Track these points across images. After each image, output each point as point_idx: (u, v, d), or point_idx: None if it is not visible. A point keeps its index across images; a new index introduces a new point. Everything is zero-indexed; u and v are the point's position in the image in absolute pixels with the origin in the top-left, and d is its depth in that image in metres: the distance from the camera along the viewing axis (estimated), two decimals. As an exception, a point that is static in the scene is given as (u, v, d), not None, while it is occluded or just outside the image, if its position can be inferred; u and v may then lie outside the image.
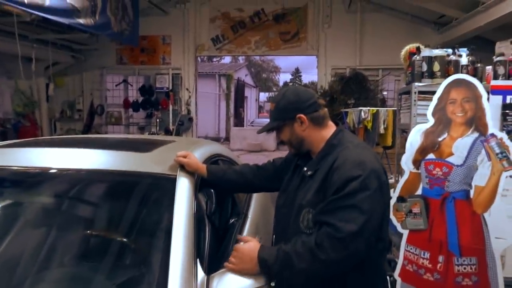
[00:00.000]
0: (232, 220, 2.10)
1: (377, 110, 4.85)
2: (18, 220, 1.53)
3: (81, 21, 5.24)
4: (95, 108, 8.22)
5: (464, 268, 2.04)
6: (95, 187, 1.57)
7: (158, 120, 8.02)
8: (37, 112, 7.81)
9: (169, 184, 1.49)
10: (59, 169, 1.54)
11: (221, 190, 1.87)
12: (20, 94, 7.42)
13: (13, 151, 1.79)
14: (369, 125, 5.01)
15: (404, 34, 6.64)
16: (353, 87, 6.75)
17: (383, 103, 7.07)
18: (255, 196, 2.65)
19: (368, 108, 4.97)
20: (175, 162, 1.58)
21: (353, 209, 1.21)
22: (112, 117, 8.23)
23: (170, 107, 7.98)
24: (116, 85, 8.26)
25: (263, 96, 41.76)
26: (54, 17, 4.65)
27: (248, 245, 1.26)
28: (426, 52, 2.81)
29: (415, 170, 2.22)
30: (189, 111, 8.07)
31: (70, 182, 1.54)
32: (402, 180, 2.25)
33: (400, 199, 2.23)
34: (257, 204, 2.59)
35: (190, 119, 7.95)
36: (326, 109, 1.52)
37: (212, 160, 2.00)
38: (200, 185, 1.65)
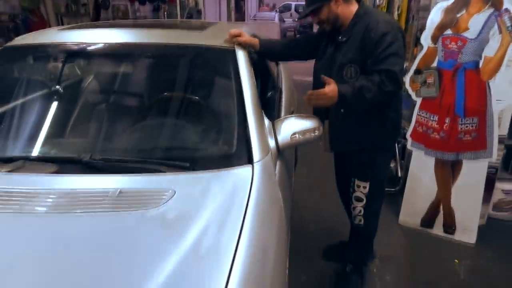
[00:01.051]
0: (271, 92, 2.45)
1: (393, -5, 4.86)
2: (106, 84, 1.88)
3: None
4: (100, 1, 8.03)
5: (466, 127, 2.45)
6: (168, 58, 1.87)
7: (165, 13, 7.92)
8: (42, 7, 7.66)
9: (230, 54, 1.79)
10: (142, 44, 1.80)
11: (269, 59, 2.22)
12: (22, -13, 7.21)
13: (85, 31, 2.04)
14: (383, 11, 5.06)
15: None
16: (367, -28, 6.53)
17: (396, -11, 6.90)
18: (283, 74, 2.99)
19: (384, -8, 4.96)
20: (235, 41, 1.84)
21: (395, 55, 1.64)
22: (118, 11, 8.09)
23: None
24: (120, -24, 7.96)
25: (263, -12, 39.15)
26: None
27: (330, 87, 1.65)
28: None
29: (432, 45, 2.49)
30: (196, 3, 7.92)
31: (152, 54, 1.83)
32: (420, 54, 2.54)
33: (417, 71, 2.54)
34: (285, 80, 2.94)
35: (199, 12, 7.85)
36: None
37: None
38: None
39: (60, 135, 1.60)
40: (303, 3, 1.94)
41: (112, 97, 1.84)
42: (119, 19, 8.23)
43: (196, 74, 1.82)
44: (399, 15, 5.04)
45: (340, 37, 1.82)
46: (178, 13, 7.90)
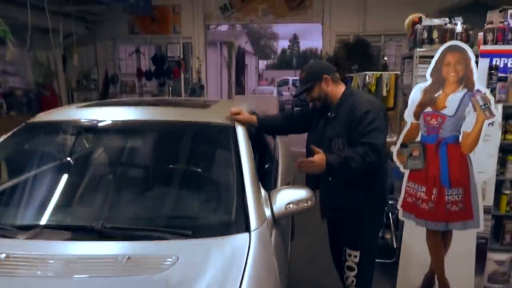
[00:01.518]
0: (268, 163, 2.63)
1: (381, 74, 5.28)
2: (118, 157, 2.06)
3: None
4: (109, 77, 8.60)
5: (453, 197, 2.58)
6: (175, 134, 2.07)
7: (170, 88, 8.44)
8: (54, 82, 8.19)
9: (231, 131, 1.99)
10: (153, 121, 2.03)
11: (267, 134, 2.44)
12: (39, 66, 7.78)
13: (100, 109, 2.27)
14: (373, 89, 5.45)
15: (405, 1, 6.94)
16: (357, 53, 7.13)
17: (384, 68, 7.47)
18: (280, 147, 3.19)
19: (373, 72, 5.39)
20: (234, 119, 2.06)
21: (376, 131, 1.87)
22: (126, 86, 8.62)
23: (182, 76, 8.38)
24: (129, 55, 8.61)
25: (262, 64, 41.63)
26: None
27: (319, 156, 1.85)
28: (427, 21, 3.25)
29: (415, 121, 2.72)
30: (199, 79, 8.47)
31: (162, 130, 2.04)
32: (404, 130, 2.75)
33: (403, 145, 2.74)
34: (282, 153, 3.13)
35: (201, 87, 8.37)
36: (338, 73, 2.18)
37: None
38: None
39: (74, 204, 1.74)
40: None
41: (124, 169, 2.02)
42: (126, 93, 8.74)
43: (199, 148, 2.02)
44: (388, 91, 5.43)
45: (329, 114, 2.07)
46: (182, 88, 8.40)
